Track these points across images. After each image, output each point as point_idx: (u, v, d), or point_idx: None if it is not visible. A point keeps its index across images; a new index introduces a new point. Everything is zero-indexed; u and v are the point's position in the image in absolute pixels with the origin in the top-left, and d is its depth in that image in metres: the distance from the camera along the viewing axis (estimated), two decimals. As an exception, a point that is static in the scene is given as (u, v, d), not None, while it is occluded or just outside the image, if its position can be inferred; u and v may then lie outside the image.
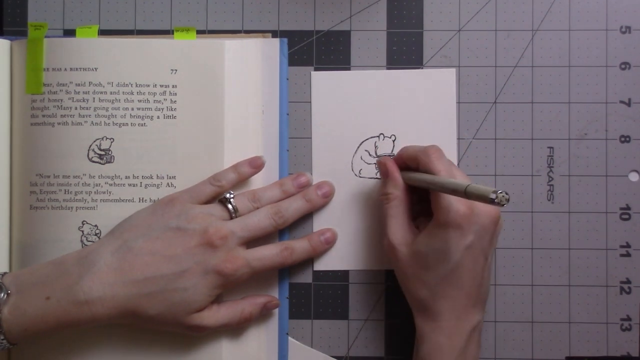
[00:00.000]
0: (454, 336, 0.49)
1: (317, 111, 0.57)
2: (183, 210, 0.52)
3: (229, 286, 0.52)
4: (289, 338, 0.56)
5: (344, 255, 0.57)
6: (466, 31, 0.57)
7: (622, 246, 0.57)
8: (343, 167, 0.57)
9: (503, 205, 0.42)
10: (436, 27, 0.58)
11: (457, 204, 0.48)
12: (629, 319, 0.57)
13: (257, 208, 0.53)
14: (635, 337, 0.57)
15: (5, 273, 0.50)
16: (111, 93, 0.55)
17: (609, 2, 0.57)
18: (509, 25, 0.57)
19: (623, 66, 0.57)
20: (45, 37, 0.55)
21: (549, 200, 0.57)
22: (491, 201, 0.42)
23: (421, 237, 0.50)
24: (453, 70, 0.57)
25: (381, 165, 0.54)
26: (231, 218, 0.53)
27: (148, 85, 0.55)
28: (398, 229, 0.52)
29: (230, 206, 0.53)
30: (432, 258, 0.49)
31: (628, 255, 0.57)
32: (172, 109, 0.55)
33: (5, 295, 0.48)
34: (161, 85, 0.55)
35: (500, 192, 0.42)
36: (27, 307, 0.48)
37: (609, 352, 0.57)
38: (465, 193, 0.45)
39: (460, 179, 0.50)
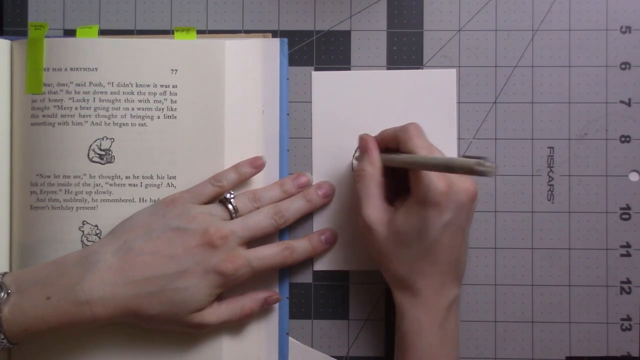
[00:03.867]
0: (433, 311, 0.50)
1: (317, 111, 0.59)
2: (184, 210, 0.53)
3: (229, 286, 0.53)
4: (289, 338, 0.58)
5: (344, 255, 0.58)
6: (466, 31, 0.59)
7: (622, 246, 0.58)
8: (343, 167, 0.59)
9: (491, 175, 0.42)
10: (436, 27, 0.59)
11: (436, 182, 0.49)
12: (629, 319, 0.58)
13: (258, 208, 0.55)
14: (636, 337, 0.58)
15: (5, 273, 0.51)
16: (111, 93, 0.56)
17: (609, 2, 0.58)
18: (509, 25, 0.59)
19: (623, 66, 0.59)
20: (45, 37, 0.56)
21: (549, 200, 0.58)
22: (478, 172, 0.42)
23: (399, 215, 0.51)
24: (453, 71, 0.59)
25: (361, 141, 0.54)
26: (232, 218, 0.54)
27: (148, 85, 0.56)
28: (373, 208, 0.52)
29: (230, 206, 0.54)
30: (410, 235, 0.50)
31: (628, 255, 0.58)
32: (172, 109, 0.56)
33: (6, 295, 0.49)
34: (161, 86, 0.57)
35: (488, 162, 0.42)
36: (27, 307, 0.49)
37: (609, 352, 0.58)
38: (449, 167, 0.45)
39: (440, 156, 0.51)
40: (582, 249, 0.58)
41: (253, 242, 0.54)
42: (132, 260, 0.51)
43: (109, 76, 0.56)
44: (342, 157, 0.58)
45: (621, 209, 0.58)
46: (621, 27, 0.58)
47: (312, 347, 0.58)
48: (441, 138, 0.58)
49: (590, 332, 0.58)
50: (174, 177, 0.56)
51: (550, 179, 0.58)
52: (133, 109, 0.56)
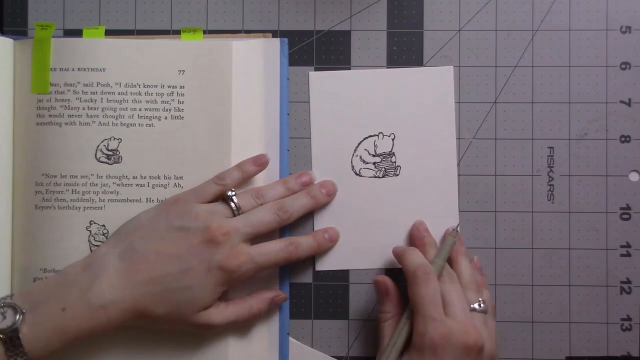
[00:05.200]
0: None
1: (316, 111, 0.60)
2: (187, 209, 0.54)
3: (233, 282, 0.54)
4: (289, 338, 0.59)
5: (344, 255, 0.59)
6: (466, 31, 0.60)
7: (622, 246, 0.59)
8: (343, 166, 0.60)
9: None
10: (436, 27, 0.60)
11: (432, 331, 0.50)
12: (629, 319, 0.59)
13: (261, 205, 0.56)
14: (636, 337, 0.59)
15: (12, 295, 0.52)
16: (119, 93, 0.57)
17: (609, 2, 0.60)
18: (509, 25, 0.60)
19: (623, 66, 0.60)
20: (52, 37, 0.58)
21: (549, 200, 0.59)
22: None
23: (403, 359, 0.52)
24: (451, 68, 0.60)
25: (379, 285, 0.56)
26: (234, 216, 0.55)
27: (156, 86, 0.58)
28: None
29: (233, 204, 0.55)
30: None
31: (628, 255, 0.59)
32: (179, 110, 0.58)
33: (21, 316, 0.50)
34: (169, 86, 0.58)
35: None
36: (45, 322, 0.50)
37: (609, 352, 0.59)
38: None
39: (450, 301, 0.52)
40: (582, 249, 0.59)
41: (257, 239, 0.55)
42: (138, 262, 0.52)
43: (116, 77, 0.57)
44: (341, 157, 0.59)
45: (621, 209, 0.59)
46: (621, 27, 0.60)
47: (312, 347, 0.59)
48: (440, 135, 0.59)
49: (590, 332, 0.59)
50: (181, 177, 0.57)
51: (550, 179, 0.59)
52: (140, 110, 0.57)
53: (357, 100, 0.60)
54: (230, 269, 0.53)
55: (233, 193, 0.55)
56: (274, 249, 0.55)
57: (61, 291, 0.51)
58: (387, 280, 0.56)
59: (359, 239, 0.59)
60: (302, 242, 0.56)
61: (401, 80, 0.60)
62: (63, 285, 0.52)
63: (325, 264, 0.59)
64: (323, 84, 0.60)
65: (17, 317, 0.50)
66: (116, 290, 0.51)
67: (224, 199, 0.56)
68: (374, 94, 0.60)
